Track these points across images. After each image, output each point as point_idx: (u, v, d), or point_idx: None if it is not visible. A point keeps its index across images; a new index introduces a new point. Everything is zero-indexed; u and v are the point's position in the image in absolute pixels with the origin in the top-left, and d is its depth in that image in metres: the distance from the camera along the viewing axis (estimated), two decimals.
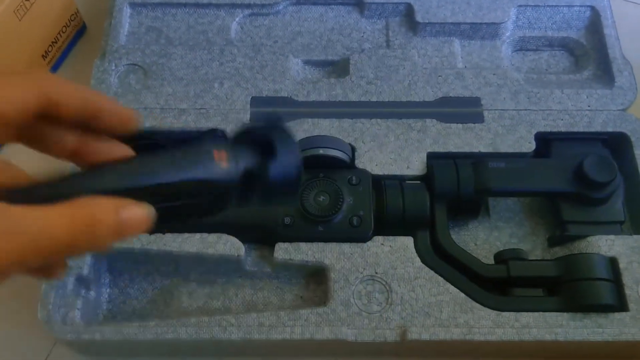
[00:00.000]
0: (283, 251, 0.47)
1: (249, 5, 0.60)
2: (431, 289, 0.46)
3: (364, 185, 0.49)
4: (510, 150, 0.52)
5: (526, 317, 0.44)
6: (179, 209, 0.26)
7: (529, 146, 0.52)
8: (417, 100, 0.55)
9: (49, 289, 0.45)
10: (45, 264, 0.25)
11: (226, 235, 0.47)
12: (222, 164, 0.26)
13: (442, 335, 0.44)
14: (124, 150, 0.28)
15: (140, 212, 0.24)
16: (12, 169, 0.25)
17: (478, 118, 0.53)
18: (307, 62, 0.59)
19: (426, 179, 0.50)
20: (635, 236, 0.47)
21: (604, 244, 0.47)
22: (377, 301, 0.45)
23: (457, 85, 0.56)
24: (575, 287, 0.45)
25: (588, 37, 0.60)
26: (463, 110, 0.54)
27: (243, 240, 0.48)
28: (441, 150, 0.52)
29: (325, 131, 0.52)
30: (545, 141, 0.53)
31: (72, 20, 0.63)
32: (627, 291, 0.45)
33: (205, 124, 0.53)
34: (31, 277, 0.26)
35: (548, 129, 0.53)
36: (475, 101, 0.55)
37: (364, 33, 0.60)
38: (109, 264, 0.50)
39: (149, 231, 0.25)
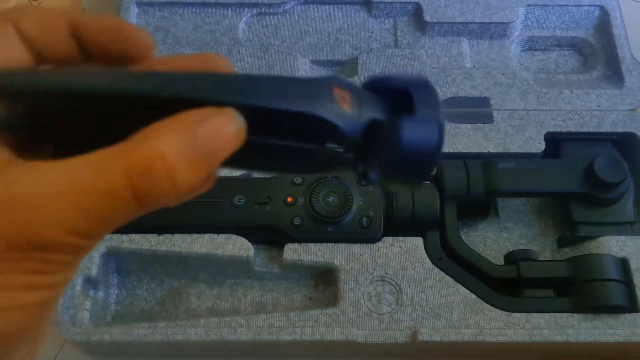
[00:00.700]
0: (292, 252, 0.47)
1: (256, 5, 0.60)
2: (441, 289, 0.45)
3: (373, 185, 0.48)
4: (520, 150, 0.51)
5: (537, 318, 0.44)
6: (272, 152, 0.21)
7: (539, 146, 0.52)
8: None
9: None
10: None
11: (235, 235, 0.47)
12: (343, 106, 0.20)
13: (453, 337, 0.44)
14: None
15: (225, 122, 0.19)
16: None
17: (487, 118, 0.53)
18: (315, 62, 0.59)
19: (436, 180, 0.50)
20: None
21: (615, 245, 0.47)
22: (387, 302, 0.45)
23: (466, 85, 0.55)
24: (586, 288, 0.45)
25: (597, 36, 0.60)
26: (472, 110, 0.54)
27: (252, 241, 0.47)
28: (450, 150, 0.51)
29: None
30: (555, 141, 0.53)
31: None
32: (638, 292, 0.45)
33: None
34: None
35: (557, 129, 0.53)
36: (484, 101, 0.54)
37: (372, 33, 0.60)
38: (118, 264, 0.50)
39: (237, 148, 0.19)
